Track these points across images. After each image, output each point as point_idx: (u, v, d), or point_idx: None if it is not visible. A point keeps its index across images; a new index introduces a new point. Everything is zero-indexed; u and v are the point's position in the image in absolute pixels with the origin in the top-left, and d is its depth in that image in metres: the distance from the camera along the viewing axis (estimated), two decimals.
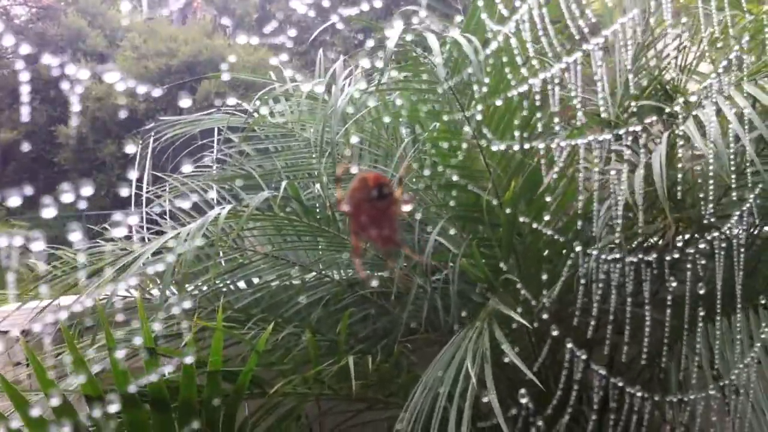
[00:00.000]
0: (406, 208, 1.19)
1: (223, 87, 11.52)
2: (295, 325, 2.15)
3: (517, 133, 1.96)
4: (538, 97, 1.87)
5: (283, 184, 2.07)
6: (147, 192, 2.74)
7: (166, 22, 15.36)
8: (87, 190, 1.10)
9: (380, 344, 2.21)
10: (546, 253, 2.08)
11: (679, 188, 2.04)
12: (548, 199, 2.02)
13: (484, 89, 1.88)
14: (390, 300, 2.30)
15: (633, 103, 2.14)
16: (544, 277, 1.94)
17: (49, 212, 1.06)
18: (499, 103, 1.94)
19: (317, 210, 2.27)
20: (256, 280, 2.37)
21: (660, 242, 2.10)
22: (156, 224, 2.48)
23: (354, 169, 1.52)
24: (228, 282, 2.32)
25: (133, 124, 11.10)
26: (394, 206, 1.15)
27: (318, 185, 2.25)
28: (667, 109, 2.01)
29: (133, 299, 2.23)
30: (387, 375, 2.05)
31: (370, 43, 1.85)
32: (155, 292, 2.25)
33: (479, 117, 1.94)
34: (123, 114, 11.53)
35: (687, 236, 1.94)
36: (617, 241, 1.88)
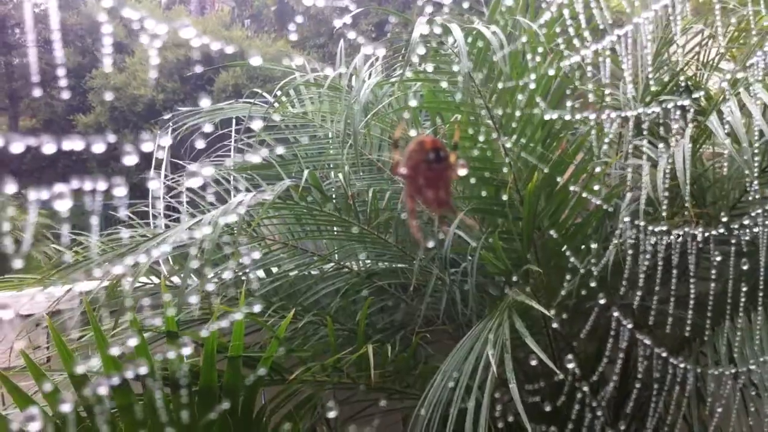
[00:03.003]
0: (462, 172, 1.21)
1: (241, 79, 11.56)
2: (314, 314, 2.17)
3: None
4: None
5: (305, 173, 2.08)
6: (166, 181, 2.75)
7: (184, 13, 15.39)
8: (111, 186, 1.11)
9: (398, 336, 2.23)
10: (565, 247, 2.08)
11: (696, 185, 2.04)
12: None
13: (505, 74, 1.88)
14: (408, 292, 2.31)
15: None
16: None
17: (64, 204, 1.05)
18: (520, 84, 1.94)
19: (336, 200, 2.28)
20: (275, 270, 2.38)
21: (680, 239, 2.10)
22: (176, 212, 2.50)
23: (412, 133, 1.53)
24: (248, 270, 2.34)
25: (151, 114, 11.16)
26: (449, 170, 1.17)
27: (340, 175, 2.26)
28: (687, 102, 2.00)
29: (153, 285, 2.26)
30: (404, 366, 2.06)
31: (385, 36, 1.86)
32: (176, 278, 2.27)
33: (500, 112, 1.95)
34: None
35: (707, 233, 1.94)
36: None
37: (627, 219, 1.85)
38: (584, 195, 1.96)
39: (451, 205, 1.23)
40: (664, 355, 1.89)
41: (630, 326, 1.86)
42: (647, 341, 1.88)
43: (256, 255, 2.18)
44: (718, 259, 1.83)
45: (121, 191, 1.15)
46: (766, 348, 1.85)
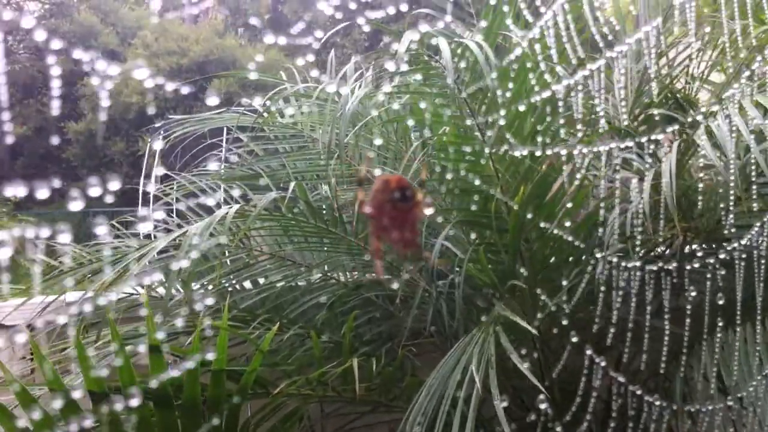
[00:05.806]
0: (428, 211, 1.18)
1: (234, 87, 11.54)
2: (300, 326, 2.15)
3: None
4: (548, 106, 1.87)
5: (292, 185, 2.07)
6: (155, 190, 2.74)
7: (177, 21, 15.38)
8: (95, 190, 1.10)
9: (384, 348, 2.21)
10: (553, 260, 2.07)
11: (685, 198, 2.03)
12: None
13: (499, 93, 1.87)
14: (395, 304, 2.29)
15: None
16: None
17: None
18: (507, 111, 1.93)
19: (324, 211, 2.27)
20: (261, 281, 2.36)
21: (667, 252, 2.09)
22: (163, 222, 2.48)
23: (377, 171, 1.50)
24: (234, 282, 2.32)
25: (142, 122, 11.14)
26: (415, 209, 1.14)
27: (326, 186, 2.25)
28: (680, 118, 2.00)
29: (139, 296, 2.23)
30: (390, 378, 2.05)
31: (380, 45, 1.85)
32: (161, 290, 2.25)
33: (491, 120, 1.94)
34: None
35: (695, 246, 1.93)
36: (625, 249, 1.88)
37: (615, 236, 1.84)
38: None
39: (418, 245, 1.20)
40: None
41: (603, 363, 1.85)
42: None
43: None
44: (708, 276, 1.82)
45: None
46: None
